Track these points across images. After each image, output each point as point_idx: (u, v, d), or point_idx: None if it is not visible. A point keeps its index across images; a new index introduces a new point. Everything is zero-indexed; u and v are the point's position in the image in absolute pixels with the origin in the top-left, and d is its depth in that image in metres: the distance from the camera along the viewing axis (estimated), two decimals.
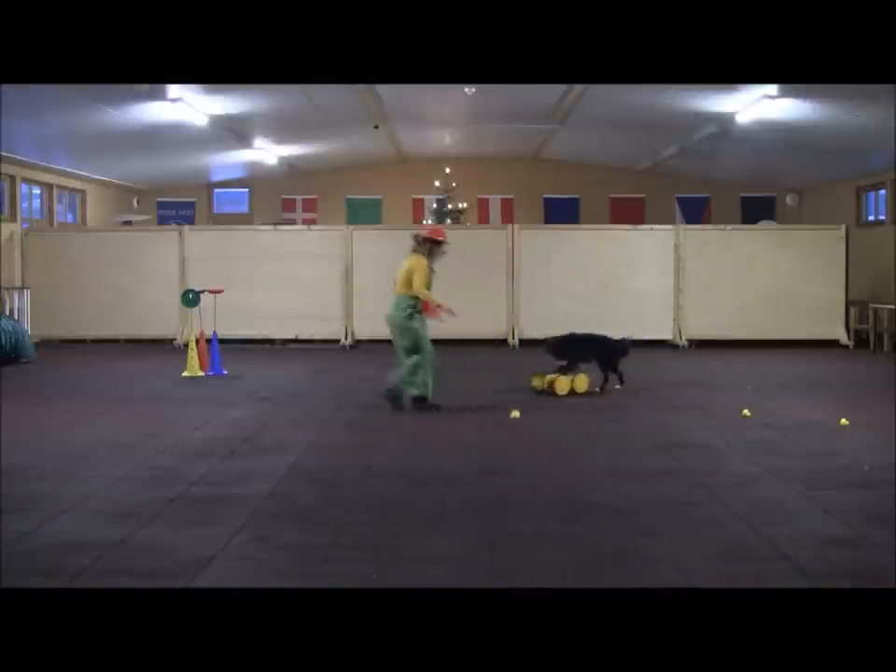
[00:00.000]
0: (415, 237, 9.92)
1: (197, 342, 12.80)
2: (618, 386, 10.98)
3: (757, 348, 16.40)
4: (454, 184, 22.23)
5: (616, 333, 11.58)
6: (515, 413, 9.09)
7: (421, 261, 9.70)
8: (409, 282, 9.61)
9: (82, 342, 17.55)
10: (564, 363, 10.79)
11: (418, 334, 9.67)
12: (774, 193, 23.44)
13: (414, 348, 9.64)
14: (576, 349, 10.90)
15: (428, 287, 9.67)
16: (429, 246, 9.81)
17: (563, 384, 10.59)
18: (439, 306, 9.67)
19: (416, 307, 9.62)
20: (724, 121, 16.02)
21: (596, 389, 10.84)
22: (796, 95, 13.69)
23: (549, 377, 10.70)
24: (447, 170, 22.27)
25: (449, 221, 21.56)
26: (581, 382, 10.75)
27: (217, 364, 12.81)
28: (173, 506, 5.91)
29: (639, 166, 23.05)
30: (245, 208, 25.01)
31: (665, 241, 17.50)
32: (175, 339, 17.12)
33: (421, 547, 5.09)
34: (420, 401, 9.66)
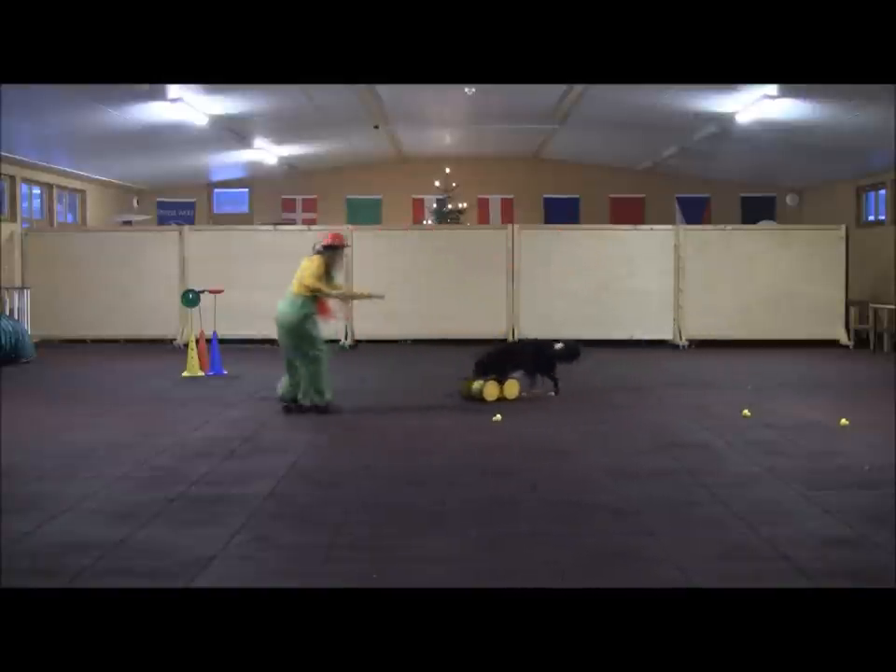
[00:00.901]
0: (314, 246, 9.60)
1: (197, 342, 12.80)
2: (551, 394, 10.50)
3: (757, 348, 16.40)
4: (454, 184, 22.22)
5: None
6: (497, 417, 9.04)
7: (315, 260, 9.38)
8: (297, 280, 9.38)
9: (82, 342, 17.55)
10: (494, 378, 10.24)
11: (313, 336, 9.36)
12: (774, 193, 23.45)
13: (309, 349, 9.27)
14: (507, 362, 10.44)
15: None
16: (329, 252, 9.50)
17: (492, 389, 10.12)
18: (352, 295, 9.53)
19: (312, 308, 9.33)
20: (724, 121, 16.02)
21: (524, 394, 10.37)
22: (796, 95, 13.69)
23: (477, 383, 10.18)
24: (447, 170, 22.26)
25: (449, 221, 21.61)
26: (512, 387, 10.29)
27: (217, 364, 12.81)
28: (173, 506, 5.91)
29: (639, 166, 23.05)
30: (244, 208, 25.01)
31: (665, 241, 17.50)
32: (175, 339, 17.13)
33: (421, 547, 5.09)
34: (322, 408, 9.31)
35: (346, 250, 10.01)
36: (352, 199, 24.08)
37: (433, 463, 7.23)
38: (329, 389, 9.43)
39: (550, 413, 9.66)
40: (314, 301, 9.35)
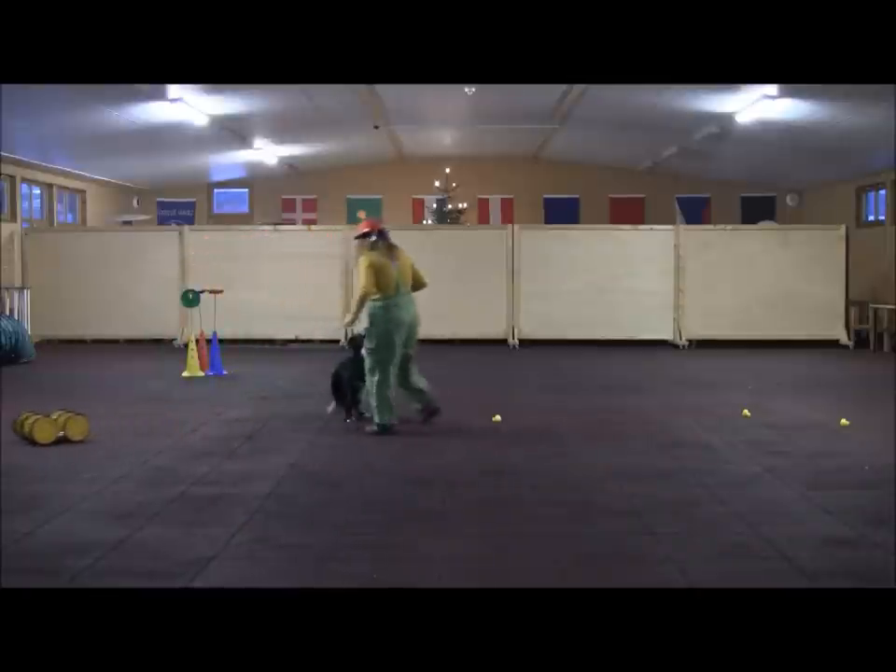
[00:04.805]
0: (376, 237, 8.71)
1: (197, 342, 12.80)
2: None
3: (757, 348, 16.39)
4: (454, 184, 22.23)
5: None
6: (497, 418, 9.03)
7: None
8: (412, 276, 8.62)
9: (82, 342, 17.55)
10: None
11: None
12: (774, 193, 23.46)
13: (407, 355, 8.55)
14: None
15: None
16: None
17: (44, 429, 7.74)
18: None
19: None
20: (724, 121, 16.02)
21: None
22: (796, 95, 13.70)
23: (32, 418, 7.81)
24: (447, 170, 22.27)
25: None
26: (76, 425, 7.90)
27: (217, 364, 12.81)
28: (173, 506, 5.91)
29: (639, 166, 23.06)
30: (244, 208, 25.03)
31: (665, 241, 17.49)
32: (174, 339, 17.13)
33: (421, 547, 5.09)
34: (381, 428, 8.39)
35: (353, 249, 9.33)
36: (352, 199, 24.09)
37: (434, 463, 7.23)
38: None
39: (548, 413, 9.65)
40: None
